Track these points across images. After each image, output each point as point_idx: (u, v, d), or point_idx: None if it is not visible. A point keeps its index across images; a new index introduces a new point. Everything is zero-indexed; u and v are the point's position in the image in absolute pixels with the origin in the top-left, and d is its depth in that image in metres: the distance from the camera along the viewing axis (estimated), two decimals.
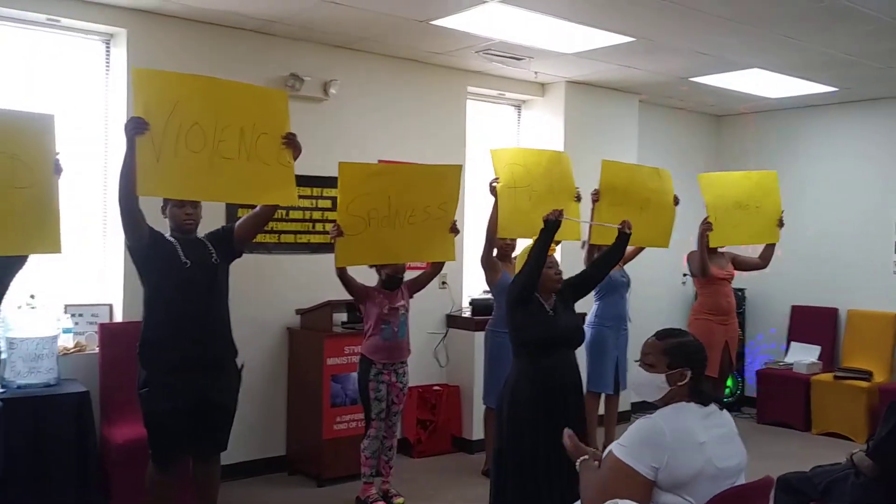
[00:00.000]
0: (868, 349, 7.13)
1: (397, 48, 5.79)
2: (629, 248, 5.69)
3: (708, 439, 2.51)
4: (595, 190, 5.11)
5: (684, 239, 6.53)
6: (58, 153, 3.43)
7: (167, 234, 3.81)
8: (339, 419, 5.29)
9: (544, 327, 3.85)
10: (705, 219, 5.69)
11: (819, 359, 7.31)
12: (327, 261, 5.33)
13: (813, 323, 7.58)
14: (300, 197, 5.02)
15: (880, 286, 7.23)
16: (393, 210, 4.51)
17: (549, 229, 3.86)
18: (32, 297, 4.50)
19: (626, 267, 5.90)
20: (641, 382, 2.69)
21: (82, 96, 5.00)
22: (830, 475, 3.67)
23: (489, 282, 5.27)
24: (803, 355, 7.39)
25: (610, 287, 5.69)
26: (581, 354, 5.44)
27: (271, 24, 5.18)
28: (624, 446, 2.52)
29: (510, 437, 3.84)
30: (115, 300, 5.01)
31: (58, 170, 3.43)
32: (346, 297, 4.87)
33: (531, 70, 6.39)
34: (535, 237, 3.94)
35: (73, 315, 4.86)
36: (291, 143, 3.85)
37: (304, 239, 5.64)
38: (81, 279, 5.02)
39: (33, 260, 3.51)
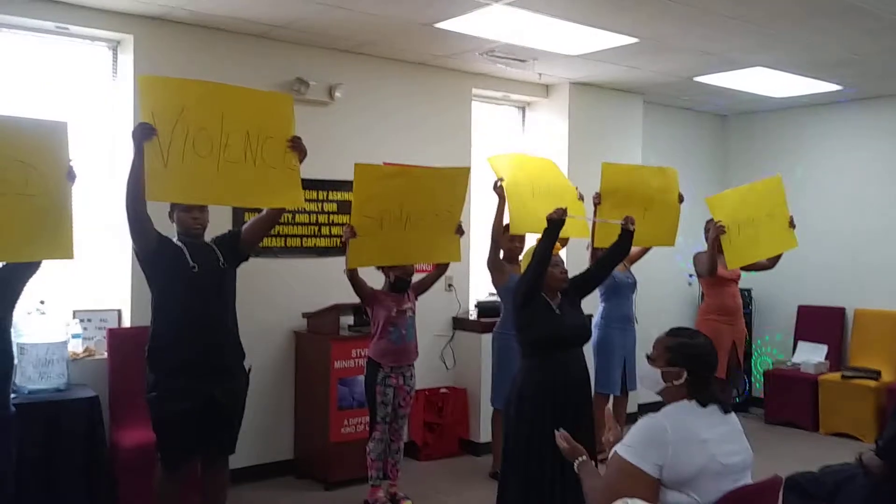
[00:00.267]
0: (876, 348, 7.11)
1: (402, 51, 5.81)
2: (635, 249, 5.72)
3: (711, 436, 2.52)
4: (596, 193, 5.11)
5: (689, 239, 6.55)
6: (71, 160, 3.47)
7: (175, 239, 3.83)
8: (347, 422, 5.30)
9: (551, 326, 3.86)
10: (715, 221, 5.65)
11: (826, 358, 7.30)
12: (334, 264, 5.38)
13: (820, 322, 7.56)
14: (306, 201, 5.05)
15: (888, 285, 7.22)
16: (405, 212, 4.53)
17: (553, 228, 3.87)
18: (42, 302, 4.52)
19: (632, 268, 5.90)
20: (643, 374, 2.76)
21: (90, 102, 5.03)
22: (839, 475, 3.66)
23: (496, 284, 5.28)
24: (810, 355, 7.37)
25: (616, 288, 5.70)
26: (588, 356, 5.47)
27: (276, 28, 5.21)
28: (628, 446, 2.53)
29: (517, 436, 3.85)
30: (124, 305, 5.04)
31: (71, 177, 3.47)
32: (353, 300, 4.89)
33: (535, 72, 6.40)
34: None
35: (81, 320, 4.89)
36: (297, 147, 3.86)
37: (310, 243, 5.66)
38: (90, 285, 5.05)
39: (42, 266, 3.53)
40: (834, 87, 6.85)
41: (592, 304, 5.52)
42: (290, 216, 5.46)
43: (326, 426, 5.26)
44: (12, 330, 3.61)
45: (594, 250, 5.39)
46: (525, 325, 3.92)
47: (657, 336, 2.78)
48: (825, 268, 7.53)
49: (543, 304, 3.90)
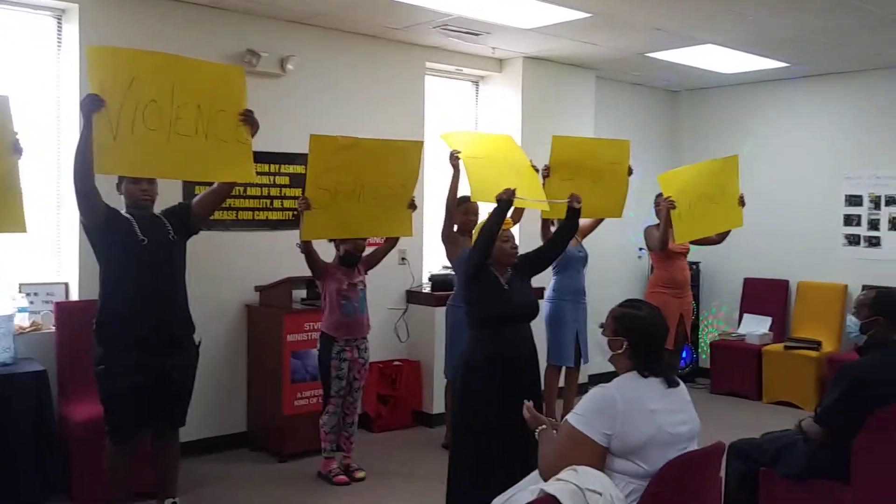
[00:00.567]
0: (817, 320, 7.32)
1: (355, 23, 5.76)
2: (587, 222, 5.80)
3: (659, 407, 2.60)
4: (545, 166, 5.16)
5: (639, 214, 6.64)
6: (16, 133, 3.41)
7: (123, 211, 3.78)
8: (300, 395, 5.31)
9: (499, 301, 3.87)
10: (665, 197, 5.74)
11: (770, 330, 7.50)
12: (286, 237, 5.35)
13: (765, 295, 7.75)
14: (258, 173, 5.00)
15: (830, 258, 7.42)
16: (359, 184, 4.53)
17: (502, 208, 3.90)
18: None
19: (583, 241, 5.97)
20: (599, 341, 2.84)
21: (34, 73, 4.90)
22: (780, 441, 3.79)
23: (449, 256, 5.30)
24: (755, 326, 7.57)
25: (567, 262, 5.76)
26: (541, 328, 5.54)
27: None
28: (578, 415, 2.61)
29: (464, 408, 3.89)
30: (71, 279, 4.96)
31: (17, 150, 3.42)
32: (306, 273, 4.88)
33: (489, 46, 6.40)
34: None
35: (28, 294, 4.80)
36: (249, 120, 3.83)
37: (262, 216, 5.62)
38: (36, 258, 4.96)
39: None
40: (782, 65, 6.97)
41: (544, 278, 5.58)
42: (241, 189, 5.41)
43: (279, 399, 5.26)
44: None
45: (544, 221, 5.47)
46: (474, 301, 3.93)
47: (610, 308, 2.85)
48: (771, 241, 7.69)
49: (492, 279, 3.91)
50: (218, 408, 5.41)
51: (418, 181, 4.90)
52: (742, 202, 5.73)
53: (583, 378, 6.62)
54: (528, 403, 2.98)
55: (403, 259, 6.26)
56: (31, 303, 4.81)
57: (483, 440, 3.78)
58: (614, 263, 7.75)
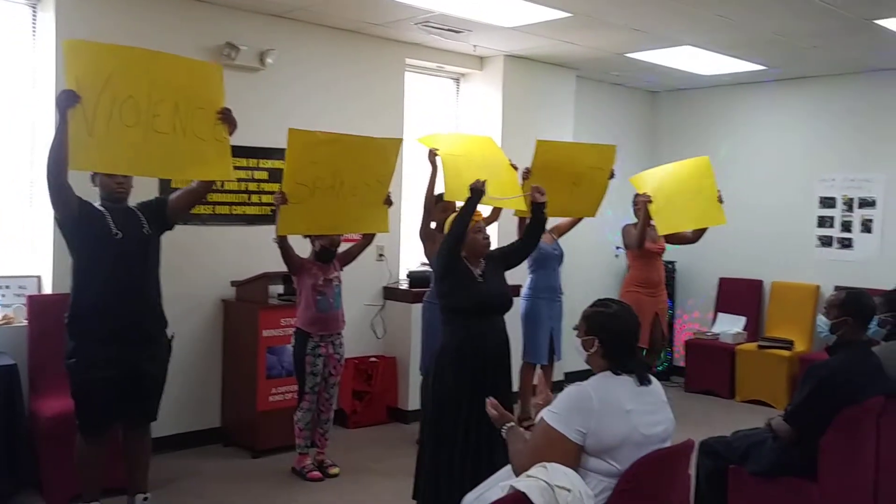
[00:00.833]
0: (790, 320, 7.40)
1: (336, 18, 5.74)
2: (565, 221, 5.84)
3: (634, 407, 2.61)
4: (527, 168, 5.17)
5: (617, 213, 6.67)
6: None
7: (97, 204, 3.75)
8: (275, 391, 5.30)
9: (472, 293, 3.88)
10: (641, 193, 5.78)
11: (744, 329, 7.57)
12: (263, 232, 5.34)
13: (739, 294, 7.82)
14: (236, 168, 4.98)
15: (803, 259, 7.50)
16: (337, 180, 4.52)
17: (474, 198, 3.91)
18: None
19: (560, 240, 6.00)
20: (575, 342, 2.84)
21: (7, 64, 4.84)
22: (749, 439, 3.83)
23: (427, 254, 5.29)
24: (729, 326, 7.64)
25: (543, 259, 5.79)
26: (516, 326, 5.56)
27: None
28: (554, 412, 2.62)
29: (436, 404, 3.89)
30: (44, 272, 4.91)
31: None
32: (282, 268, 4.87)
33: (470, 43, 6.41)
34: (486, 200, 4.00)
35: None
36: (227, 119, 3.80)
37: (239, 210, 5.59)
38: (8, 251, 4.91)
39: None
40: (759, 67, 7.03)
41: (520, 276, 5.60)
42: (219, 183, 5.36)
43: (254, 394, 5.24)
44: None
45: (521, 220, 5.49)
46: (447, 293, 3.93)
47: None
48: (746, 242, 7.74)
49: (466, 270, 3.92)
50: (192, 403, 5.38)
51: (396, 178, 4.89)
52: (720, 200, 5.76)
53: (558, 375, 6.65)
54: (492, 401, 2.97)
55: (381, 255, 6.26)
56: (3, 296, 4.76)
57: (451, 435, 3.78)
58: (591, 262, 7.78)
